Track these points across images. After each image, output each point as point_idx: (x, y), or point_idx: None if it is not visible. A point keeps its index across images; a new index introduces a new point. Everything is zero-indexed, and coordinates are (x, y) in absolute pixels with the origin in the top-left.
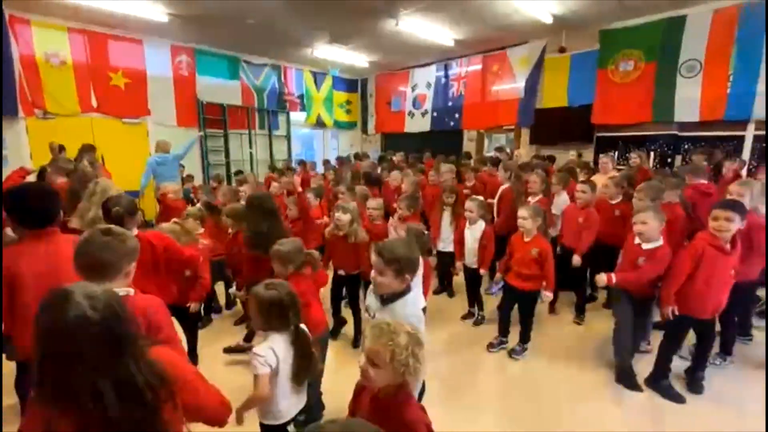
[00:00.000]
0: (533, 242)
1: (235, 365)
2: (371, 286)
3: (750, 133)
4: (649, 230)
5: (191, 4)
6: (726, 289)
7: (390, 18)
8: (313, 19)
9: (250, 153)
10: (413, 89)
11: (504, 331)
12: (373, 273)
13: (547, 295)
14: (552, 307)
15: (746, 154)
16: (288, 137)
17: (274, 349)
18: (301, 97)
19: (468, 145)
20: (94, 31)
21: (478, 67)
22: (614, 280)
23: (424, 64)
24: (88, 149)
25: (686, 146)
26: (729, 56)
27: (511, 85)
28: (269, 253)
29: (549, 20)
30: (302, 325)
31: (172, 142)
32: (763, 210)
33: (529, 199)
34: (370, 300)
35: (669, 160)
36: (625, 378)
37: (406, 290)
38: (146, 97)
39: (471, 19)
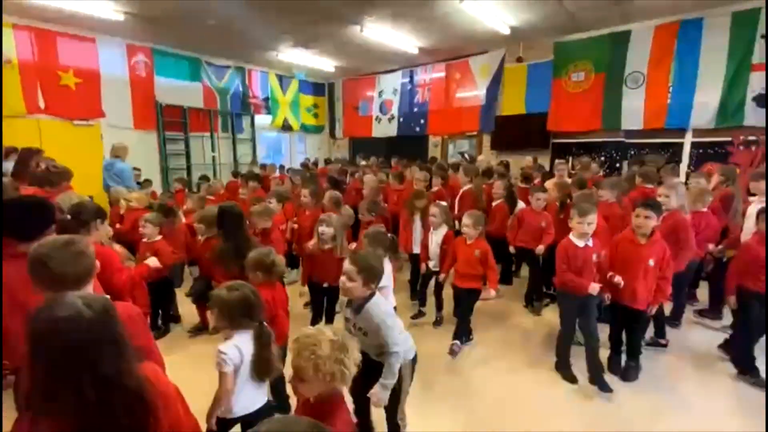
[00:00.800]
0: (475, 244)
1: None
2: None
3: (688, 140)
4: (593, 230)
5: (148, 3)
6: (647, 277)
7: (354, 24)
8: (276, 23)
9: (213, 157)
10: (380, 95)
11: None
12: (343, 278)
13: (491, 293)
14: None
15: (685, 159)
16: (253, 140)
17: (240, 348)
18: (266, 99)
19: (433, 150)
20: (42, 28)
21: (442, 74)
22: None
23: (390, 70)
24: (32, 153)
25: (632, 152)
26: (669, 69)
27: (473, 93)
28: (243, 265)
29: (506, 31)
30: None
31: (129, 146)
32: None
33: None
34: (346, 311)
35: (617, 165)
36: (562, 368)
37: (371, 295)
38: (100, 98)
39: (433, 27)
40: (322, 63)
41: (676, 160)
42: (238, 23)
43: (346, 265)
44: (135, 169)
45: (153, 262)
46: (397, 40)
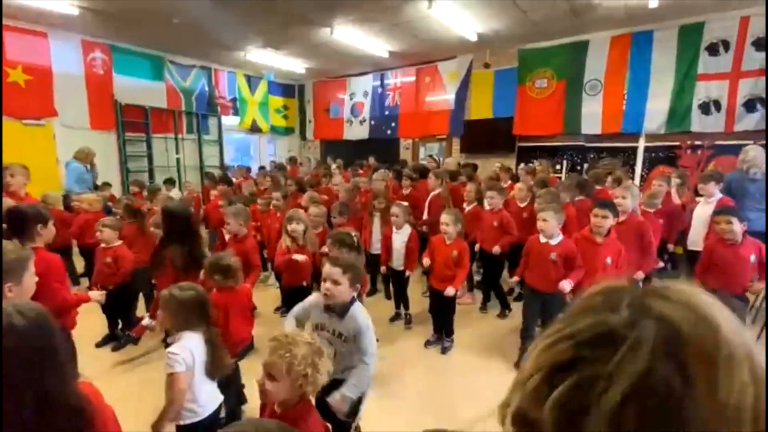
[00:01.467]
0: (454, 245)
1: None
2: (296, 309)
3: (641, 144)
4: (548, 227)
5: None
6: (605, 275)
7: (324, 27)
8: (244, 23)
9: (177, 159)
10: (351, 97)
11: (438, 329)
12: (327, 284)
13: (450, 290)
14: (484, 306)
15: (639, 162)
16: (220, 142)
17: (191, 348)
18: (234, 100)
19: (404, 153)
20: None
21: (412, 78)
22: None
23: (360, 73)
24: None
25: (592, 155)
26: (624, 77)
27: (443, 97)
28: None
29: (474, 38)
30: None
31: (87, 147)
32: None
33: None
34: (318, 318)
35: (578, 167)
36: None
37: (353, 300)
38: (52, 96)
39: (403, 32)
40: (292, 64)
41: (631, 163)
42: (204, 22)
43: (328, 269)
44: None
45: (95, 296)
46: (368, 44)
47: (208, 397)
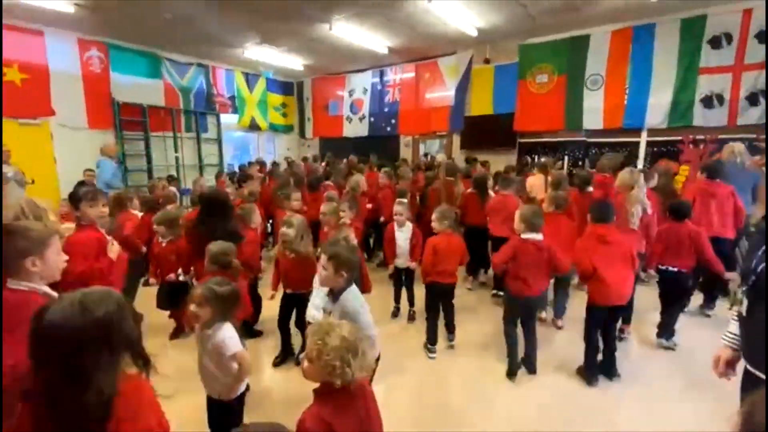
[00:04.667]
0: (450, 238)
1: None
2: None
3: (643, 139)
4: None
5: None
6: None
7: (323, 23)
8: (240, 19)
9: (176, 157)
10: (350, 94)
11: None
12: (320, 270)
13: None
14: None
15: (641, 157)
16: (219, 140)
17: (234, 334)
18: (232, 98)
19: (404, 150)
20: None
21: (412, 74)
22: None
23: (359, 70)
24: None
25: (593, 151)
26: (625, 72)
27: (443, 93)
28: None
29: (474, 33)
30: None
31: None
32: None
33: None
34: (321, 302)
35: (580, 162)
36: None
37: (348, 284)
38: (49, 95)
39: (402, 27)
40: (290, 61)
41: (633, 157)
42: (200, 19)
43: (323, 259)
44: (89, 170)
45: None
46: (367, 40)
47: None
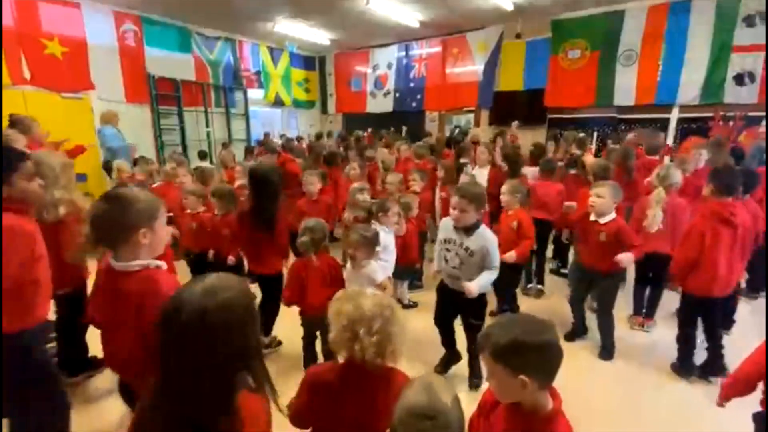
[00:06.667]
0: (514, 215)
1: None
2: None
3: (675, 115)
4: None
5: None
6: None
7: None
8: None
9: (208, 132)
10: (374, 69)
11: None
12: (455, 212)
13: (513, 255)
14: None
15: (671, 133)
16: (246, 116)
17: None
18: (258, 73)
19: (430, 126)
20: None
21: (438, 49)
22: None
23: (383, 44)
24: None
25: (623, 127)
26: (660, 48)
27: (471, 68)
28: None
29: (510, 7)
30: None
31: (121, 119)
32: None
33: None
34: (447, 234)
35: (609, 140)
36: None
37: (479, 222)
38: (88, 69)
39: (437, 1)
40: (317, 35)
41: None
42: None
43: (455, 200)
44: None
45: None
46: (401, 13)
47: None
